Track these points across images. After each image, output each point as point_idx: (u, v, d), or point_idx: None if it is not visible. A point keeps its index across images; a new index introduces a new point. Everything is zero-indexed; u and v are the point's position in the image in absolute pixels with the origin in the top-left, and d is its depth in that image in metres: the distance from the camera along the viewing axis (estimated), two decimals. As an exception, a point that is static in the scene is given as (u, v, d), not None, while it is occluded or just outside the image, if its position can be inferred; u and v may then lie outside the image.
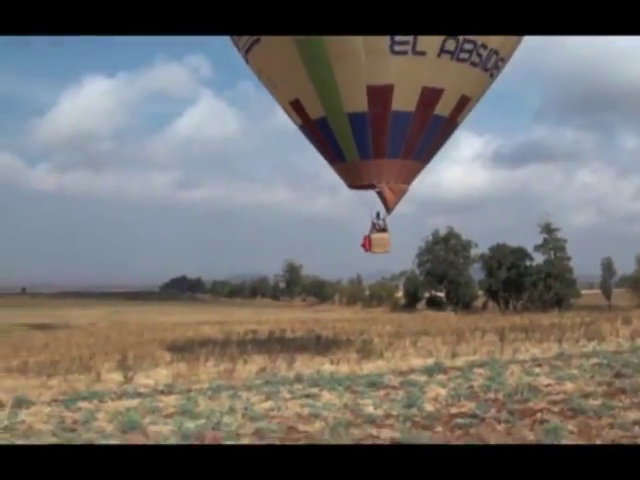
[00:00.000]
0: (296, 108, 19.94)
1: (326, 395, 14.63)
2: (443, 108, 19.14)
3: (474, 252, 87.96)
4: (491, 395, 14.02)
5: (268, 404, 13.66)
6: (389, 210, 20.01)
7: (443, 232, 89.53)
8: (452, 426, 11.14)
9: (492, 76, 19.89)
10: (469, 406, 12.82)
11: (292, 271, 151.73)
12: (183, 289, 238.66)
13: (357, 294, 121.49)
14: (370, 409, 12.73)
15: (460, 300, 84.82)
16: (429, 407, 12.85)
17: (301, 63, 18.40)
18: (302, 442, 10.24)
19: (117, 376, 18.99)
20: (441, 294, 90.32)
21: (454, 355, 21.81)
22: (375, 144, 19.04)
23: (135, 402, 14.58)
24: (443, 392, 14.51)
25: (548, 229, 76.61)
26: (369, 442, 10.05)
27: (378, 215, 20.20)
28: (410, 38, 17.49)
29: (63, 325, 59.95)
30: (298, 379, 17.00)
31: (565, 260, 77.36)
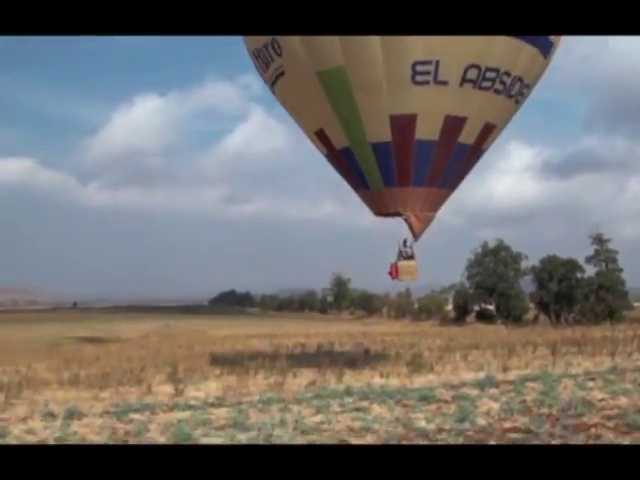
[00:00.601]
0: (321, 138, 20.17)
1: (377, 409, 14.51)
2: (467, 136, 19.10)
3: (524, 264, 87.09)
4: (544, 410, 13.76)
5: (319, 417, 13.59)
6: (416, 237, 19.99)
7: (492, 244, 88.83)
8: (506, 441, 10.98)
9: (517, 103, 19.79)
10: (522, 421, 12.60)
11: (340, 284, 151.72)
12: (232, 303, 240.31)
13: (406, 307, 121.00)
14: (422, 423, 12.60)
15: (510, 313, 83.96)
16: (482, 421, 12.68)
17: (324, 95, 18.60)
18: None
19: (168, 388, 19.10)
20: (491, 307, 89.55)
21: (505, 369, 21.51)
22: (400, 173, 19.06)
23: (186, 414, 14.64)
24: (495, 406, 14.29)
25: (599, 240, 75.62)
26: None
27: (405, 242, 20.20)
28: (432, 67, 17.57)
29: (114, 338, 60.69)
30: (348, 392, 16.91)
31: (617, 272, 76.23)
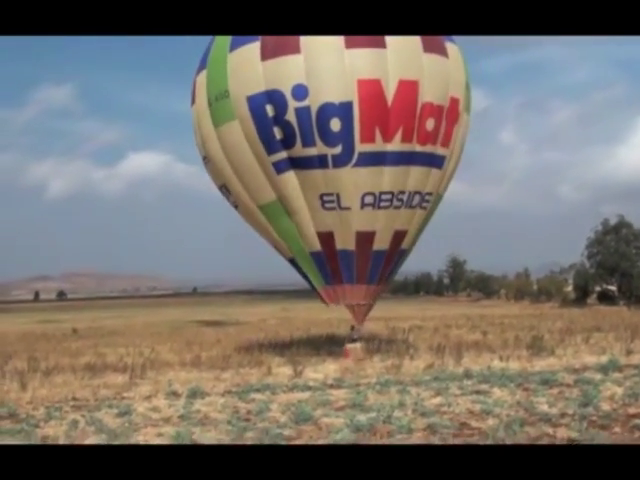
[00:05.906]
0: (276, 249, 24.05)
1: (497, 392, 14.35)
2: (380, 244, 21.96)
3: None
4: (672, 395, 13.29)
5: (438, 400, 13.56)
6: (359, 323, 23.09)
7: (613, 221, 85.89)
8: (631, 427, 10.66)
9: (424, 208, 22.49)
10: (648, 406, 12.22)
11: (456, 266, 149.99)
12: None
13: (524, 289, 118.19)
14: (544, 407, 12.36)
15: (633, 294, 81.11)
16: (606, 406, 12.32)
17: (267, 222, 22.77)
18: (475, 439, 10.13)
19: (287, 370, 19.49)
20: (613, 288, 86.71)
21: (629, 352, 20.90)
22: (333, 274, 22.55)
23: (306, 395, 14.91)
24: (619, 391, 13.86)
25: None
26: (545, 441, 9.80)
27: (352, 328, 23.13)
28: (334, 198, 21.16)
29: (234, 322, 62.05)
30: (467, 375, 16.82)
31: None
